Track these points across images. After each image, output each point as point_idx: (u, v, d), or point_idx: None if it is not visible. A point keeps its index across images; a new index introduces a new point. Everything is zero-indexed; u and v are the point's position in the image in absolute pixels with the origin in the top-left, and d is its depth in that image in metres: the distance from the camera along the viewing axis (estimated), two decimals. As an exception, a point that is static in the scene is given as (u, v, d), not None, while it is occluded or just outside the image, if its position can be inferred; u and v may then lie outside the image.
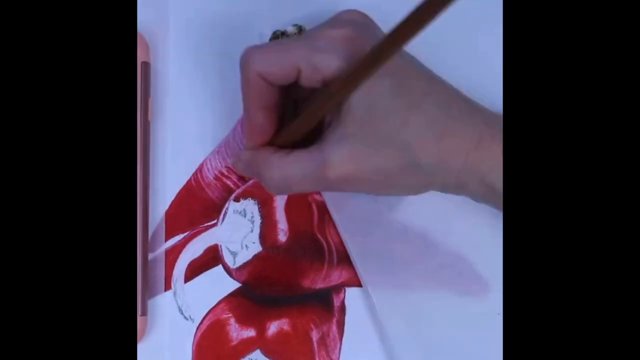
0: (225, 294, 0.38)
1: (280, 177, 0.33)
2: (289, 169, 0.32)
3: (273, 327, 0.38)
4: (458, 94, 0.34)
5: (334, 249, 0.38)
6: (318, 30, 0.32)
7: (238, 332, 0.38)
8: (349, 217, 0.38)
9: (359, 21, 0.32)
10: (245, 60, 0.32)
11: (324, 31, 0.32)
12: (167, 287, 0.38)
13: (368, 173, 0.32)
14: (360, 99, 0.31)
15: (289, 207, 0.38)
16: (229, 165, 0.39)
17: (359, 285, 0.38)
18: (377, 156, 0.31)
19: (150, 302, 0.37)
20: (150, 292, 0.38)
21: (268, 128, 0.34)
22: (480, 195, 0.34)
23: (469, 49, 0.40)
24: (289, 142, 0.34)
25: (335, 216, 0.38)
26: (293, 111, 0.35)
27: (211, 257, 0.38)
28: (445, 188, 0.34)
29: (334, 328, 0.38)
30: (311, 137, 0.33)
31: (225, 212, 0.38)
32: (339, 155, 0.31)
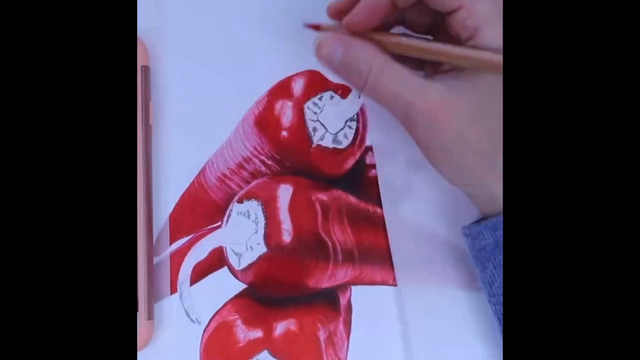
0: (231, 295, 0.38)
1: (376, 71, 0.31)
2: (389, 70, 0.31)
3: (280, 328, 0.38)
4: None
5: (338, 247, 0.38)
6: None
7: (245, 334, 0.37)
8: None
9: None
10: None
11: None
12: (173, 290, 0.38)
13: (449, 130, 0.31)
14: (493, 80, 0.31)
15: (292, 207, 0.38)
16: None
17: (365, 283, 0.38)
18: (470, 126, 0.31)
19: (156, 306, 0.37)
20: (156, 296, 0.38)
21: (382, 16, 0.32)
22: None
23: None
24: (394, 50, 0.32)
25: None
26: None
27: (216, 259, 0.38)
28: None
29: (341, 327, 0.38)
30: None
31: (229, 214, 0.38)
32: (440, 94, 0.31)
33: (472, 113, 0.31)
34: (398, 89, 0.31)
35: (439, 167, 0.33)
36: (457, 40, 0.31)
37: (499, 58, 0.30)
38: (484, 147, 0.31)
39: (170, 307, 0.38)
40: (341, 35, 0.32)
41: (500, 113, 0.29)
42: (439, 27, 0.33)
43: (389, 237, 0.38)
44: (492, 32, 0.30)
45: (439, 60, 0.32)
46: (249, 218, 0.38)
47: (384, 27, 0.33)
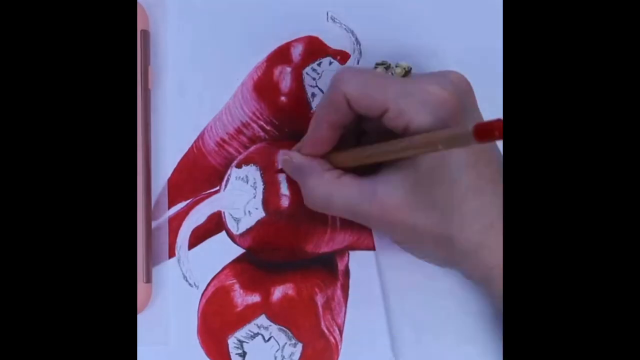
0: (229, 260, 0.38)
1: (324, 194, 0.34)
2: (336, 190, 0.34)
3: (278, 292, 0.38)
4: None
5: (336, 213, 0.38)
6: (419, 81, 0.32)
7: (243, 298, 0.38)
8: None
9: (462, 88, 0.33)
10: (338, 79, 0.33)
11: (424, 84, 0.32)
12: (171, 254, 0.38)
13: (407, 226, 0.33)
14: (430, 157, 0.31)
15: (291, 173, 0.38)
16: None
17: (363, 248, 0.38)
18: (422, 216, 0.32)
19: (154, 270, 0.37)
20: (154, 260, 0.38)
21: (328, 144, 0.35)
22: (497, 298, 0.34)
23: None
24: (342, 165, 0.35)
25: None
26: (357, 138, 0.36)
27: (214, 224, 0.38)
28: (470, 276, 0.34)
29: (339, 292, 0.38)
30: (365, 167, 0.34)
31: (228, 179, 0.38)
32: (389, 198, 0.32)
33: (419, 204, 0.32)
34: (351, 204, 0.34)
35: (415, 256, 0.36)
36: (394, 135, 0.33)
37: (436, 135, 0.30)
38: (439, 230, 0.32)
39: (168, 271, 0.38)
40: (295, 156, 0.36)
41: (447, 192, 0.32)
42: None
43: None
44: (421, 120, 0.31)
45: (387, 159, 0.33)
46: (247, 183, 0.38)
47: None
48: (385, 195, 0.32)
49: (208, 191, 0.38)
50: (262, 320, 0.37)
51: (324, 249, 0.38)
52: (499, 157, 0.34)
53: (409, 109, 0.31)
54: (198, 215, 0.38)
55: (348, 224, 0.38)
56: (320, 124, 0.34)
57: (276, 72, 0.39)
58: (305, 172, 0.35)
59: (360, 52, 0.39)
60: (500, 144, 0.31)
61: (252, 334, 0.37)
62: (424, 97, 0.31)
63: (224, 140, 0.39)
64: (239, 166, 0.38)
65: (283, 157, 0.37)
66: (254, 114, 0.39)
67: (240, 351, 0.37)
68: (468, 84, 0.33)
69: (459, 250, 0.33)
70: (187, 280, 0.38)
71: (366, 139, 0.36)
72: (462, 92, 0.32)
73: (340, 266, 0.38)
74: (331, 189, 0.34)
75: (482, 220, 0.32)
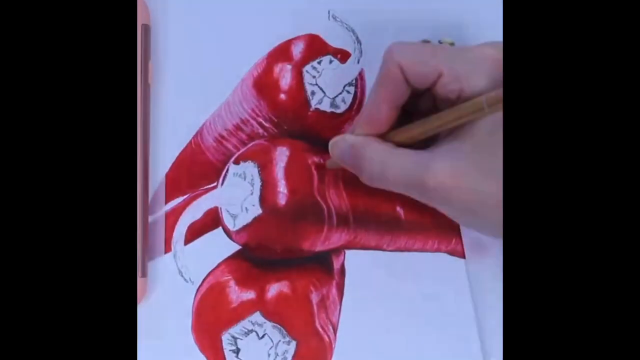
0: (225, 256, 0.38)
1: (379, 163, 0.33)
2: (392, 160, 0.33)
3: (273, 290, 0.38)
4: None
5: (333, 211, 0.38)
6: (469, 47, 0.33)
7: (238, 295, 0.38)
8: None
9: None
10: (390, 52, 0.33)
11: (476, 48, 0.32)
12: (167, 249, 0.38)
13: (465, 195, 0.31)
14: (487, 122, 0.31)
15: (288, 170, 0.38)
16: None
17: (359, 247, 0.38)
18: (481, 183, 0.31)
19: (150, 264, 0.38)
20: (150, 254, 0.38)
21: (385, 123, 0.34)
22: None
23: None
24: (399, 142, 0.34)
25: None
26: (408, 119, 0.35)
27: (211, 220, 0.38)
28: None
29: (334, 290, 0.38)
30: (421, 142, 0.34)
31: (225, 175, 0.39)
32: (445, 166, 0.31)
33: (479, 170, 0.31)
34: (406, 177, 0.32)
35: (473, 228, 0.36)
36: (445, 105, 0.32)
37: (492, 94, 0.30)
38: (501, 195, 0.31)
39: (164, 266, 0.38)
40: (347, 136, 0.35)
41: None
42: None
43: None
44: (476, 82, 0.31)
45: (440, 131, 0.33)
46: (245, 179, 0.38)
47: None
48: (441, 163, 0.31)
49: (205, 187, 0.38)
50: (257, 317, 0.37)
51: (320, 247, 0.38)
52: None
53: (463, 71, 0.31)
54: (195, 211, 0.38)
55: (344, 223, 0.38)
56: (376, 103, 0.34)
57: (276, 69, 0.39)
58: (361, 145, 0.34)
59: (361, 51, 0.39)
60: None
61: (246, 330, 0.37)
62: (478, 59, 0.31)
63: (222, 137, 0.39)
64: (237, 162, 0.38)
65: (333, 140, 0.35)
66: (253, 110, 0.39)
67: (234, 347, 0.37)
68: None
69: None
70: (182, 276, 0.38)
71: (417, 118, 0.35)
72: None
73: (336, 265, 0.38)
74: (386, 159, 0.33)
75: None
